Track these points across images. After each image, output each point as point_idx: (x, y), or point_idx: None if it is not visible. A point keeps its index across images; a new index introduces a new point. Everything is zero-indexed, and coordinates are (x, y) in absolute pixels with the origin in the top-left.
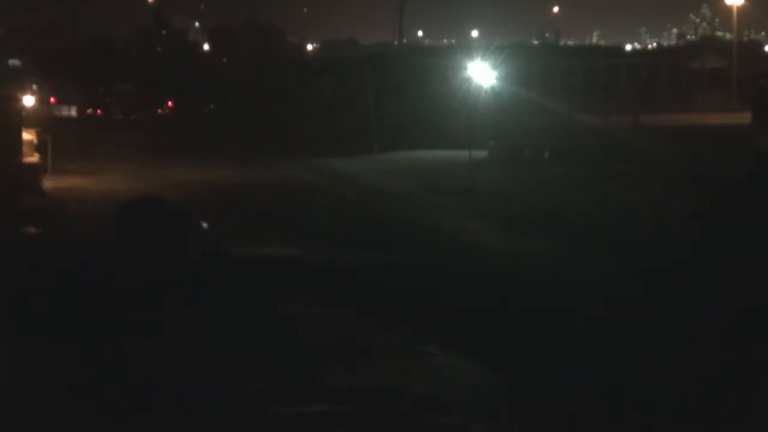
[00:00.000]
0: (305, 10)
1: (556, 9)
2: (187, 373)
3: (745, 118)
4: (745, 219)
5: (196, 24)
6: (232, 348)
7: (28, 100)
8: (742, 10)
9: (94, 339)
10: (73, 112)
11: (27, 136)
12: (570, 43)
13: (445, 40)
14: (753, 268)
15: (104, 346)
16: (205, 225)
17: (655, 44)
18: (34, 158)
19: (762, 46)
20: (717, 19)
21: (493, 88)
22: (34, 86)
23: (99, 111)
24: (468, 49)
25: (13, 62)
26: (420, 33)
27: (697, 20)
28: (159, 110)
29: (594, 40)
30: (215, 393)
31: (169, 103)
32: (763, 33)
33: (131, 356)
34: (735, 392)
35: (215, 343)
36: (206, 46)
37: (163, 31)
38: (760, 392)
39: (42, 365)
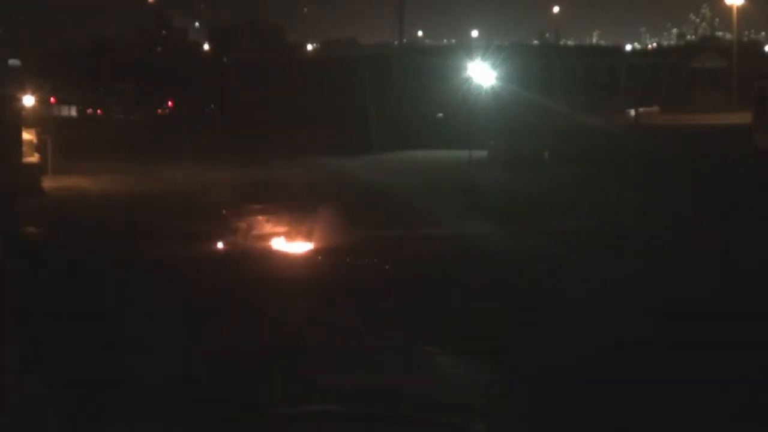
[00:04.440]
0: (305, 10)
1: (556, 9)
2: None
3: (745, 118)
4: (745, 218)
5: (196, 24)
6: None
7: (28, 100)
8: (742, 10)
9: None
10: (73, 112)
11: (27, 136)
12: (570, 43)
13: (445, 40)
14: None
15: None
16: None
17: (655, 44)
18: (34, 158)
19: (762, 46)
20: (717, 19)
21: (493, 88)
22: (34, 86)
23: (99, 111)
24: (468, 49)
25: (13, 62)
26: (420, 33)
27: (697, 20)
28: (159, 110)
29: (594, 40)
30: (216, 392)
31: (169, 103)
32: (763, 33)
33: None
34: None
35: None
36: (206, 46)
37: (163, 31)
38: None
39: None
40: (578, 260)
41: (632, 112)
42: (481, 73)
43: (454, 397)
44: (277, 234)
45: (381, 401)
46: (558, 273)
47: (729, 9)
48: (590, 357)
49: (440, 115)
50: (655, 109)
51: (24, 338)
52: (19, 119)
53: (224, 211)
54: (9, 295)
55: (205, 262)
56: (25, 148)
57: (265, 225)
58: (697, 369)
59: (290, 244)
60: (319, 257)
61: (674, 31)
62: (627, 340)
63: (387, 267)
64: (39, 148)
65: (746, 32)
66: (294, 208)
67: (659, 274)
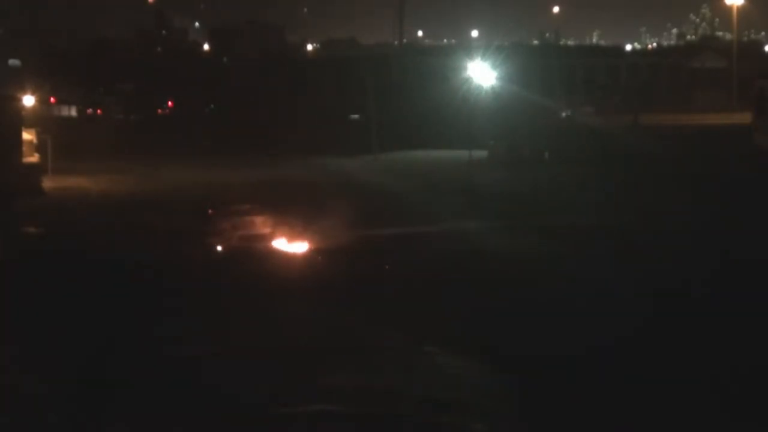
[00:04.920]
0: (305, 9)
1: (556, 9)
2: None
3: (745, 118)
4: (745, 217)
5: (196, 24)
6: None
7: (28, 100)
8: (742, 10)
9: None
10: (73, 112)
11: (27, 136)
12: (570, 43)
13: (445, 40)
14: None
15: None
16: None
17: (655, 44)
18: (34, 158)
19: (762, 46)
20: (717, 19)
21: (493, 88)
22: (34, 86)
23: (99, 111)
24: (468, 49)
25: (13, 62)
26: (420, 33)
27: (697, 20)
28: (159, 110)
29: (594, 40)
30: (216, 392)
31: (169, 103)
32: (763, 33)
33: None
34: None
35: None
36: (206, 46)
37: (163, 31)
38: None
39: None
40: (578, 260)
41: (564, 114)
42: (481, 73)
43: (454, 397)
44: (277, 234)
45: (381, 401)
46: (558, 272)
47: (729, 9)
48: (589, 356)
49: (355, 116)
50: (587, 109)
51: (24, 338)
52: (19, 119)
53: (210, 210)
54: (9, 295)
55: (206, 262)
56: (25, 148)
57: (264, 225)
58: (696, 367)
59: (290, 244)
60: (319, 257)
61: (674, 31)
62: (626, 338)
63: (387, 266)
64: (39, 148)
65: (746, 32)
66: (294, 208)
67: (658, 273)
